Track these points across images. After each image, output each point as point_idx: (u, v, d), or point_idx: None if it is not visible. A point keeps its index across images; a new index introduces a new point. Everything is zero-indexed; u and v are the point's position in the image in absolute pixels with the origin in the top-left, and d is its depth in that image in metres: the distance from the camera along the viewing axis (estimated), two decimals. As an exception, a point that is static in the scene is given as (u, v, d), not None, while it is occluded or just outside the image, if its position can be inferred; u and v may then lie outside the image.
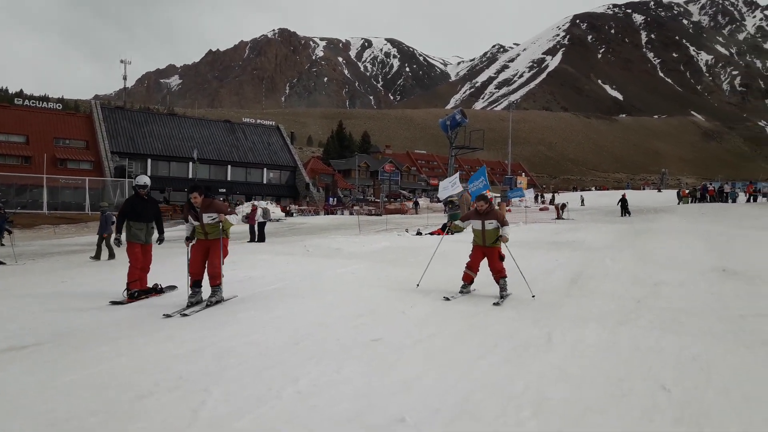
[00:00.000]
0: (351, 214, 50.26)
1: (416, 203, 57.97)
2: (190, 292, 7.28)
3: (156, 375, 4.32)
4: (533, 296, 7.52)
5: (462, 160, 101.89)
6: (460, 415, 3.58)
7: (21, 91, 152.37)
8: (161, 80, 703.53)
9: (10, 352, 5.06)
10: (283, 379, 4.23)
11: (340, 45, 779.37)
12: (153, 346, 5.20)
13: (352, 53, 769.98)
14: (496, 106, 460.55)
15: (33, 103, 61.22)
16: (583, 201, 51.36)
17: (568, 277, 9.54)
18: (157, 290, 8.24)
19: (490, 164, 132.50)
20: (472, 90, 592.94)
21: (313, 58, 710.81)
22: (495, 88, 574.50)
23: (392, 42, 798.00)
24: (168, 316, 6.57)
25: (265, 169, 69.15)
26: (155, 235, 8.63)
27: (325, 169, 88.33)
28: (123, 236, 8.44)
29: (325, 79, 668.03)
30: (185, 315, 6.64)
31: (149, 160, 60.73)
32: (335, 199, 68.17)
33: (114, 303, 7.45)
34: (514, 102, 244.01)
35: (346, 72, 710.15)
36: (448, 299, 7.47)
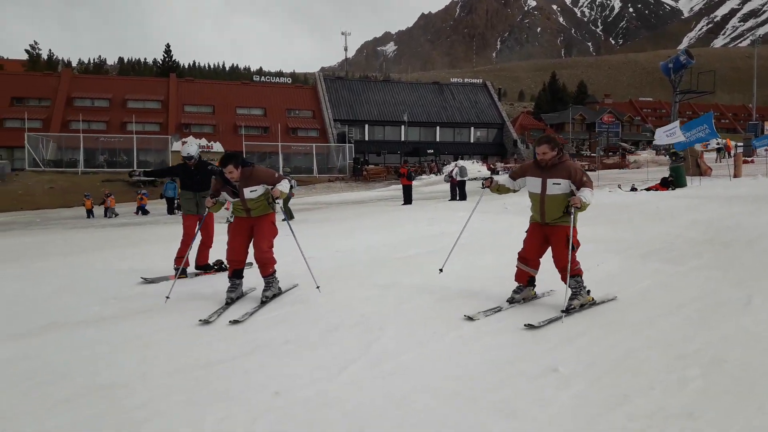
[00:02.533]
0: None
1: (623, 155, 53.66)
2: (228, 284, 5.62)
3: (342, 314, 4.96)
4: None
5: (696, 105, 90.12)
6: (615, 369, 3.52)
7: (260, 68, 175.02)
8: (378, 48, 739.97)
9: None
10: (449, 325, 4.56)
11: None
12: (345, 291, 5.89)
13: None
14: (740, 42, 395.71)
15: (268, 78, 69.96)
16: None
17: (805, 236, 8.19)
18: (217, 268, 7.15)
19: (733, 109, 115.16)
20: (710, 26, 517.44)
21: (525, 8, 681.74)
22: (739, 22, 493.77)
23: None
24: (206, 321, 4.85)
25: (472, 128, 69.47)
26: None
27: (536, 124, 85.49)
28: (139, 172, 7.77)
29: (539, 29, 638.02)
30: (206, 321, 4.82)
31: (366, 126, 65.28)
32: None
33: (146, 281, 6.55)
34: (759, 36, 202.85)
35: (561, 20, 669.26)
36: (471, 319, 4.68)
